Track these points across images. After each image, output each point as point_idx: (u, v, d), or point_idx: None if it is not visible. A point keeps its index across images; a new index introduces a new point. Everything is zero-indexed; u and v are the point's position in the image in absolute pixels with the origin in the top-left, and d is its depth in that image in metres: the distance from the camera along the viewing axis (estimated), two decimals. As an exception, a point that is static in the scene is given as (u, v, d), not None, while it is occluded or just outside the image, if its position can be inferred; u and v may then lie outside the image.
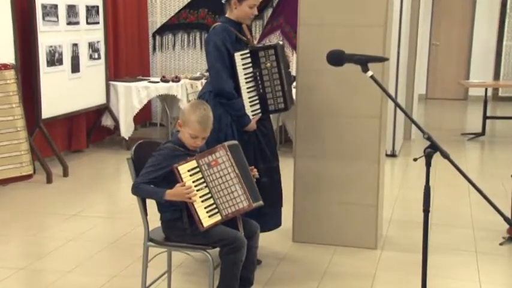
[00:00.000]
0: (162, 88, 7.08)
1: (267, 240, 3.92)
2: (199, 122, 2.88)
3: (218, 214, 2.84)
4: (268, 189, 3.56)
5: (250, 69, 3.57)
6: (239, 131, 3.57)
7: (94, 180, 5.87)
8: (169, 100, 7.38)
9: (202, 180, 2.84)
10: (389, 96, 2.49)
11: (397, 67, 6.71)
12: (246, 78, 3.57)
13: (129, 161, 2.95)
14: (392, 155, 6.83)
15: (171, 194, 2.80)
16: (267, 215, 3.63)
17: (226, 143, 2.90)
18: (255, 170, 3.04)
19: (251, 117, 3.58)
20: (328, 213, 4.05)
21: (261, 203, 2.92)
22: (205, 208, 2.83)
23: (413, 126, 7.55)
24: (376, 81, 2.44)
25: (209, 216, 2.83)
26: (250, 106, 3.59)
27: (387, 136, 6.10)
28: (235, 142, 3.00)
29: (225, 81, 3.52)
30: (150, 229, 3.00)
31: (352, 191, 3.99)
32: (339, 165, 3.98)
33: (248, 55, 3.56)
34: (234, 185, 2.84)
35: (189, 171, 2.83)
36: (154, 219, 3.03)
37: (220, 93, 3.53)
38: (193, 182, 2.83)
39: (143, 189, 2.86)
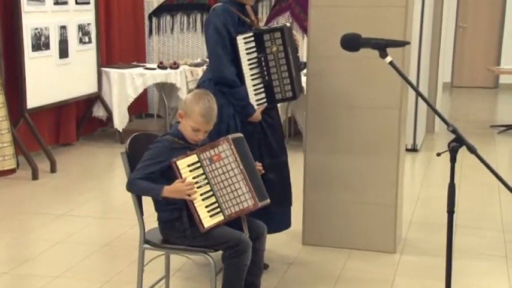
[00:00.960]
0: (159, 75, 7.09)
1: (274, 243, 3.94)
2: (202, 115, 2.89)
3: (220, 214, 2.85)
4: (275, 186, 3.57)
5: (255, 54, 3.57)
6: (243, 122, 3.58)
7: (84, 177, 5.90)
8: (167, 89, 7.40)
9: (204, 176, 2.85)
10: (411, 84, 2.50)
11: (419, 52, 6.69)
12: (249, 64, 3.57)
13: (123, 156, 2.96)
14: (414, 149, 6.84)
15: (169, 191, 2.82)
16: (275, 215, 3.64)
17: (230, 136, 2.91)
18: (260, 165, 3.05)
19: (256, 107, 3.59)
20: (342, 214, 4.06)
21: (267, 201, 2.93)
22: (206, 207, 2.84)
23: (436, 117, 7.55)
24: (395, 68, 2.45)
25: (210, 216, 2.84)
26: (255, 95, 3.59)
27: (408, 129, 6.12)
28: (240, 135, 3.01)
29: (227, 68, 3.52)
30: (146, 230, 3.02)
31: (368, 189, 4.00)
32: (353, 161, 3.99)
33: (252, 38, 3.56)
34: (238, 182, 2.85)
35: (188, 166, 2.84)
36: (151, 220, 3.05)
37: (221, 81, 3.54)
38: (194, 178, 2.84)
39: (139, 185, 2.87)
